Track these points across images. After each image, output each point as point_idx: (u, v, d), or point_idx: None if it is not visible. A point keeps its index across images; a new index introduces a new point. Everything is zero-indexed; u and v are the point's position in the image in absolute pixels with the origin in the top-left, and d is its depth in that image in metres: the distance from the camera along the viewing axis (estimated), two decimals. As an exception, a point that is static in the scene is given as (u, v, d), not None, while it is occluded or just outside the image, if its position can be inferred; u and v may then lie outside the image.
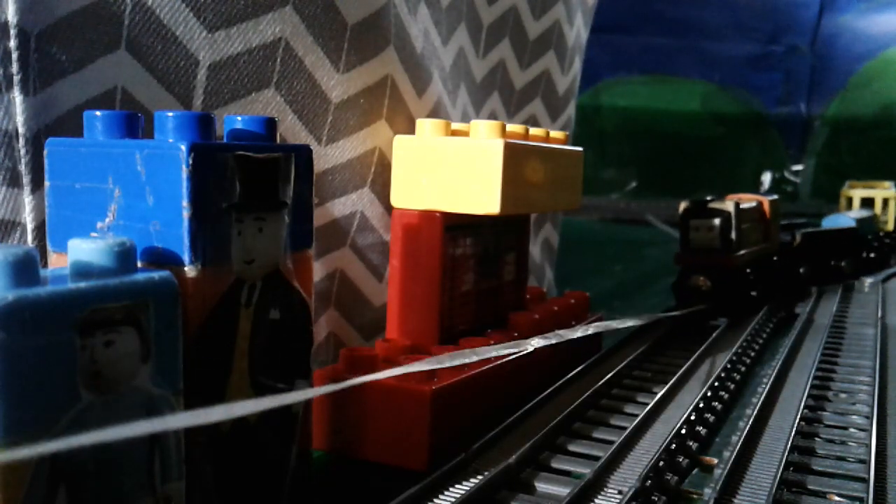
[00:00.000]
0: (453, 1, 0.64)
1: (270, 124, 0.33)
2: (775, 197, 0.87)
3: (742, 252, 0.74)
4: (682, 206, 0.75)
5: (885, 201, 1.20)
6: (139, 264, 0.27)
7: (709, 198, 0.75)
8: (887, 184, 1.31)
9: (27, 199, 0.36)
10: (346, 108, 0.50)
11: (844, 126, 2.01)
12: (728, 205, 0.73)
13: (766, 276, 0.82)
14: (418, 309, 0.48)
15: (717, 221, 0.73)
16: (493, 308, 0.54)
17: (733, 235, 0.73)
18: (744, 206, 0.77)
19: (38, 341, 0.23)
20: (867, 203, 1.20)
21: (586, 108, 1.77)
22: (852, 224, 1.05)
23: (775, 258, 0.87)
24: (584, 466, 0.40)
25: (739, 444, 0.42)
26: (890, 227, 1.19)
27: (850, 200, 1.23)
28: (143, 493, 0.27)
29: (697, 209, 0.74)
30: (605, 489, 0.38)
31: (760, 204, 0.84)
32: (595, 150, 1.86)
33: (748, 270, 0.76)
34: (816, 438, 0.46)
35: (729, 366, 0.58)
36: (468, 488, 0.37)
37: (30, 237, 0.37)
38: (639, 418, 0.46)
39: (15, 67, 0.35)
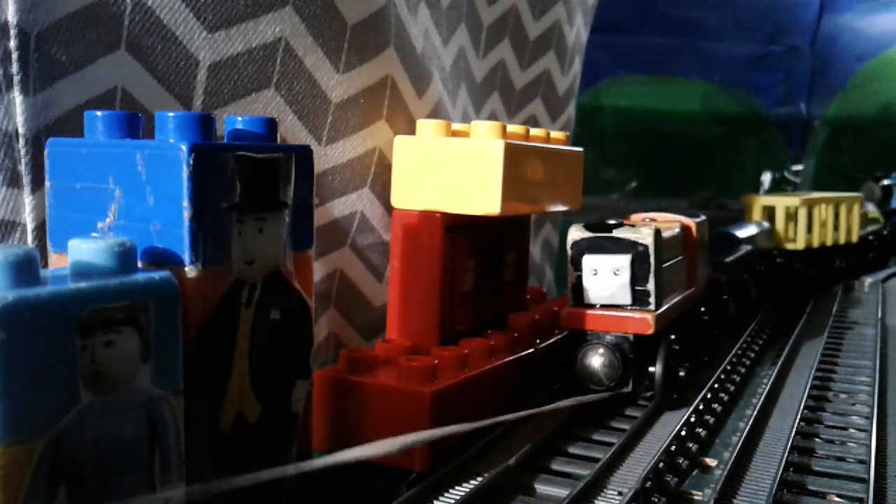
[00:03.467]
0: (453, 1, 0.64)
1: (271, 125, 0.33)
2: (702, 218, 0.61)
3: (664, 308, 0.49)
4: (572, 233, 0.49)
5: (790, 212, 0.88)
6: (139, 264, 0.27)
7: (611, 221, 0.49)
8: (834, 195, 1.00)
9: (27, 200, 0.36)
10: (346, 108, 0.50)
11: (844, 126, 2.00)
12: (642, 232, 0.47)
13: (693, 341, 0.55)
14: (418, 309, 0.48)
15: (626, 260, 0.47)
16: (493, 308, 0.54)
17: (651, 282, 0.47)
18: (666, 233, 0.51)
19: (39, 341, 0.23)
20: (768, 214, 0.89)
21: (586, 108, 1.77)
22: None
23: (703, 308, 0.60)
24: (584, 468, 0.40)
25: (739, 444, 0.42)
26: (799, 244, 0.88)
27: (751, 210, 0.92)
28: (143, 493, 0.27)
29: (596, 239, 0.48)
30: (605, 490, 0.38)
31: (685, 228, 0.57)
32: (595, 150, 1.86)
33: (672, 337, 0.49)
34: (816, 439, 0.46)
35: (729, 367, 0.58)
36: (468, 489, 0.37)
37: (30, 237, 0.37)
38: (638, 420, 0.46)
39: (15, 67, 0.35)
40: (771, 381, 0.55)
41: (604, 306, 0.48)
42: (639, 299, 0.47)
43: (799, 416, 0.48)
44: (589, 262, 0.48)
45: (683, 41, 2.04)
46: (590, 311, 0.48)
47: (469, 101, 0.71)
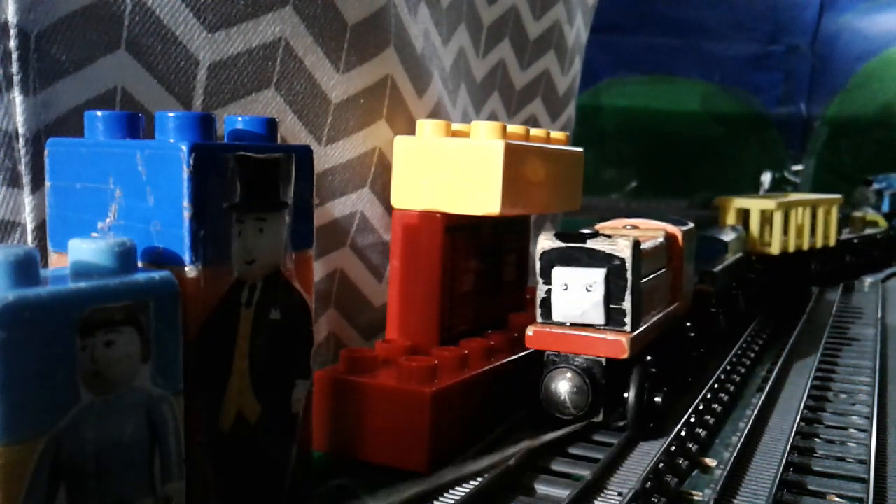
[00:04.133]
0: (453, 1, 0.64)
1: (271, 125, 0.33)
2: (690, 225, 0.57)
3: (643, 328, 0.44)
4: (542, 242, 0.44)
5: (764, 215, 0.83)
6: (140, 264, 0.27)
7: (585, 230, 0.45)
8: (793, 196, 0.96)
9: (27, 199, 0.36)
10: (346, 108, 0.50)
11: (844, 126, 2.00)
12: (619, 244, 0.42)
13: (677, 361, 0.51)
14: (418, 309, 0.48)
15: (600, 274, 0.42)
16: (493, 309, 0.54)
17: (628, 299, 0.42)
18: (646, 245, 0.46)
19: (39, 341, 0.23)
20: (743, 217, 0.84)
21: (586, 108, 1.76)
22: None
23: (689, 324, 0.55)
24: (584, 469, 0.40)
25: (739, 445, 0.42)
26: (774, 249, 0.84)
27: (724, 212, 0.87)
28: (143, 493, 0.27)
29: (567, 250, 0.43)
30: (605, 491, 0.38)
31: (670, 237, 0.52)
32: (595, 150, 1.86)
33: (649, 359, 0.45)
34: (816, 439, 0.46)
35: (729, 367, 0.58)
36: (468, 490, 0.37)
37: (30, 237, 0.37)
38: (639, 419, 0.46)
39: (15, 67, 0.35)
40: (771, 381, 0.55)
41: (574, 325, 0.43)
42: (613, 319, 0.43)
43: (799, 416, 0.48)
44: (559, 275, 0.43)
45: (683, 41, 2.04)
46: (558, 331, 0.43)
47: (469, 101, 0.71)
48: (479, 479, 0.37)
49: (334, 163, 0.51)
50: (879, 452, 0.43)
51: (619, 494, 0.37)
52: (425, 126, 0.48)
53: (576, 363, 0.43)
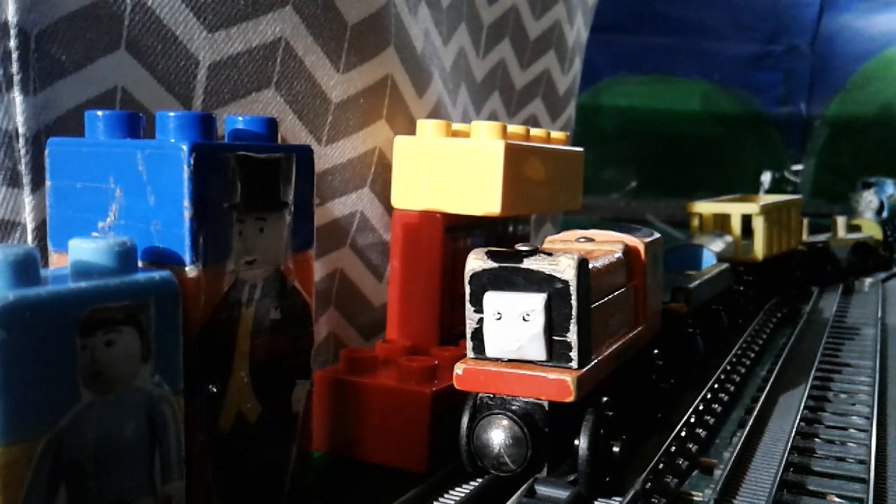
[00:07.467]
0: (453, 1, 0.64)
1: (272, 124, 0.33)
2: (655, 236, 0.49)
3: (595, 363, 0.36)
4: (471, 262, 0.36)
5: (746, 220, 0.80)
6: (140, 264, 0.27)
7: (522, 247, 0.35)
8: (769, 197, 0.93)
9: (27, 199, 0.36)
10: (346, 108, 0.50)
11: (844, 126, 2.01)
12: (561, 262, 0.34)
13: (641, 395, 0.44)
14: (419, 310, 0.48)
15: (538, 300, 0.34)
16: (493, 308, 0.54)
17: (573, 330, 0.34)
18: (598, 262, 0.40)
19: (39, 341, 0.23)
20: (721, 222, 0.81)
21: (586, 108, 1.77)
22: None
23: (657, 351, 0.48)
24: (585, 467, 0.40)
25: (739, 445, 0.42)
26: (758, 255, 0.79)
27: (700, 218, 0.82)
28: (143, 493, 0.27)
29: (500, 272, 0.35)
30: (605, 491, 0.38)
31: (630, 251, 0.45)
32: (595, 150, 1.86)
33: (605, 400, 0.37)
34: (816, 439, 0.46)
35: (729, 367, 0.58)
36: (468, 490, 0.37)
37: (30, 237, 0.37)
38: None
39: (15, 67, 0.35)
40: (771, 381, 0.55)
41: (511, 362, 0.35)
42: (557, 354, 0.35)
43: (799, 416, 0.48)
44: (491, 301, 0.35)
45: (683, 41, 2.04)
46: (492, 368, 0.35)
47: (469, 100, 0.71)
48: (480, 479, 0.37)
49: (334, 163, 0.51)
50: (879, 452, 0.43)
51: (619, 496, 0.37)
52: (425, 126, 0.48)
53: (513, 408, 0.35)
